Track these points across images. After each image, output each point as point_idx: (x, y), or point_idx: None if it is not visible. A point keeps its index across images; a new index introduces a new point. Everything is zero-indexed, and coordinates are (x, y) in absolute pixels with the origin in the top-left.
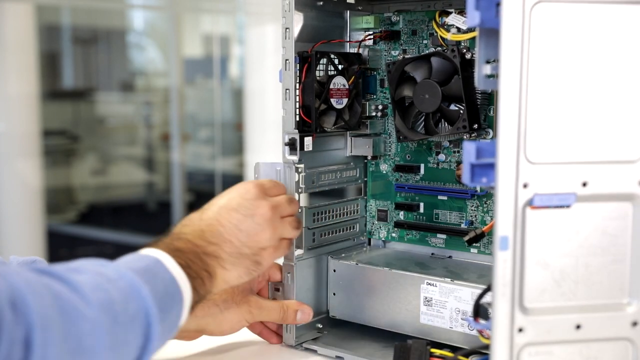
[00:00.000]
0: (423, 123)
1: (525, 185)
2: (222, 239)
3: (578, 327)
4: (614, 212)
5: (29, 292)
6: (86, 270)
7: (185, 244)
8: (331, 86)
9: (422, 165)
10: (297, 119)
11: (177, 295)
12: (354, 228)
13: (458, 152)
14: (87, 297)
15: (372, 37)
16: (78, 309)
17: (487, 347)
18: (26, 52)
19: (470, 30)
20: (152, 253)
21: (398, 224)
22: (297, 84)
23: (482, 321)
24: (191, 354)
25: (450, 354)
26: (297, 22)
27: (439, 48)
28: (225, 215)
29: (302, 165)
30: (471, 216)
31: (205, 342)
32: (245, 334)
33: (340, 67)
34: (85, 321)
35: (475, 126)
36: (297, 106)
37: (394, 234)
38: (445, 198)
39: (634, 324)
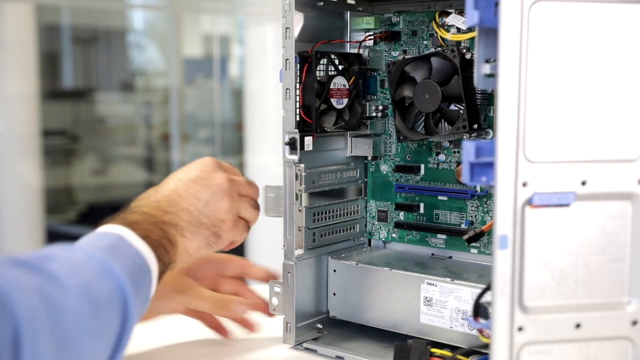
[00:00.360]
0: (423, 123)
1: (524, 184)
2: (179, 208)
3: (578, 326)
4: (614, 211)
5: (12, 289)
6: (57, 257)
7: (141, 216)
8: (331, 86)
9: (422, 166)
10: (298, 118)
11: (145, 268)
12: (354, 228)
13: (458, 152)
14: (65, 286)
15: (372, 37)
16: (59, 300)
17: (487, 346)
18: (26, 52)
19: (470, 30)
20: (111, 229)
21: (398, 225)
22: (298, 84)
23: (482, 320)
24: (189, 354)
25: (450, 354)
26: (298, 22)
27: (439, 48)
28: (183, 185)
29: (302, 165)
30: (471, 216)
31: (205, 341)
32: (246, 333)
33: (340, 67)
34: (68, 311)
35: (475, 126)
36: (298, 106)
37: (394, 235)
38: (445, 198)
39: (634, 323)
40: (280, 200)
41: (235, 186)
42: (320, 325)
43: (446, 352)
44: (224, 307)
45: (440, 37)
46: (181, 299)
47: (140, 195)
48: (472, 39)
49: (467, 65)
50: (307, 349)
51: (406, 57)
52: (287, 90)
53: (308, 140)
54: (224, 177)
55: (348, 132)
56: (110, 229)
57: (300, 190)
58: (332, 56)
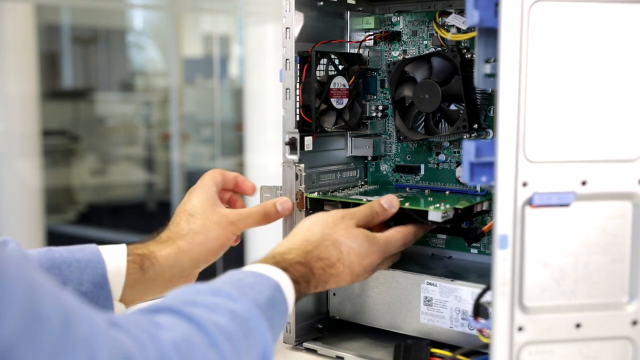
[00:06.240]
0: (423, 123)
1: (524, 184)
2: (322, 288)
3: (578, 326)
4: (614, 211)
5: (174, 354)
6: (219, 308)
7: (304, 288)
8: (331, 86)
9: (422, 166)
10: (298, 118)
11: (285, 319)
12: None
13: (458, 152)
14: (223, 353)
15: (372, 37)
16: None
17: (487, 346)
18: (26, 52)
19: (470, 30)
20: (272, 274)
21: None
22: (298, 84)
23: (482, 320)
24: None
25: (450, 354)
26: (298, 22)
27: (439, 48)
28: (344, 274)
29: (302, 165)
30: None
31: None
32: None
33: (340, 67)
34: None
35: (475, 126)
36: (298, 106)
37: None
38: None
39: (634, 322)
40: None
41: (384, 260)
42: (320, 325)
43: (446, 352)
44: (270, 215)
45: (440, 37)
46: (232, 228)
47: (325, 237)
48: (472, 39)
49: (467, 65)
50: (307, 349)
51: (406, 57)
52: (287, 90)
53: (308, 140)
54: (379, 258)
55: (348, 132)
56: (274, 275)
57: (300, 190)
58: (332, 56)
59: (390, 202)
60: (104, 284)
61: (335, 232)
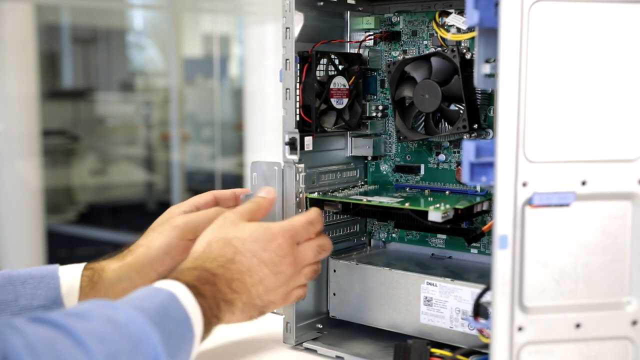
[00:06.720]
0: (423, 123)
1: (524, 184)
2: (244, 289)
3: (578, 326)
4: (614, 211)
5: (26, 354)
6: (93, 315)
7: (210, 290)
8: (331, 86)
9: (422, 166)
10: (298, 118)
11: (187, 334)
12: (354, 228)
13: (458, 152)
14: (85, 347)
15: (372, 37)
16: (69, 357)
17: (487, 346)
18: (26, 52)
19: (470, 30)
20: (167, 286)
21: (398, 225)
22: (298, 84)
23: (482, 320)
24: None
25: (450, 354)
26: (298, 22)
27: (439, 48)
28: (256, 267)
29: (302, 165)
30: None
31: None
32: (246, 333)
33: (340, 67)
34: None
35: (475, 126)
36: (298, 106)
37: (394, 235)
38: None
39: (634, 322)
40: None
41: (300, 267)
42: (320, 325)
43: (446, 352)
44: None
45: (440, 37)
46: (174, 233)
47: (212, 240)
48: (472, 39)
49: (467, 65)
50: (307, 349)
51: (406, 57)
52: (287, 90)
53: (308, 140)
54: (291, 263)
55: (348, 132)
56: (166, 285)
57: (300, 190)
58: (332, 56)
59: (267, 191)
60: (57, 298)
61: (221, 232)
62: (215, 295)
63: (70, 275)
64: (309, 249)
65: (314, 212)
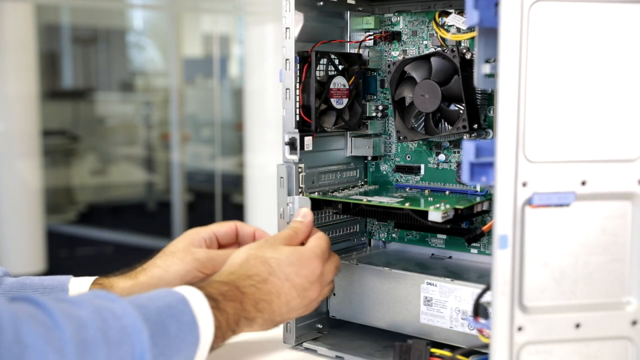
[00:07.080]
0: (423, 123)
1: (524, 184)
2: (269, 310)
3: (578, 326)
4: (614, 211)
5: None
6: (84, 303)
7: (233, 307)
8: (331, 86)
9: (423, 166)
10: (297, 118)
11: (191, 339)
12: (354, 228)
13: (458, 152)
14: (64, 334)
15: (372, 37)
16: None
17: (487, 346)
18: (26, 52)
19: (470, 30)
20: (185, 291)
21: (398, 225)
22: (297, 84)
23: (482, 320)
24: None
25: (450, 354)
26: (298, 22)
27: (439, 48)
28: (286, 290)
29: (302, 165)
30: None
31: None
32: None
33: (340, 67)
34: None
35: (475, 126)
36: (297, 106)
37: (394, 235)
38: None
39: (634, 322)
40: None
41: (322, 290)
42: (320, 325)
43: (446, 352)
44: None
45: (440, 37)
46: (196, 264)
47: (251, 257)
48: (472, 39)
49: (467, 65)
50: (307, 349)
51: (406, 57)
52: (287, 90)
53: (308, 140)
54: (317, 289)
55: (348, 132)
56: (183, 290)
57: (300, 190)
58: (332, 56)
59: (303, 214)
60: None
61: (260, 250)
62: (238, 313)
63: (79, 288)
64: (330, 272)
65: (321, 235)
